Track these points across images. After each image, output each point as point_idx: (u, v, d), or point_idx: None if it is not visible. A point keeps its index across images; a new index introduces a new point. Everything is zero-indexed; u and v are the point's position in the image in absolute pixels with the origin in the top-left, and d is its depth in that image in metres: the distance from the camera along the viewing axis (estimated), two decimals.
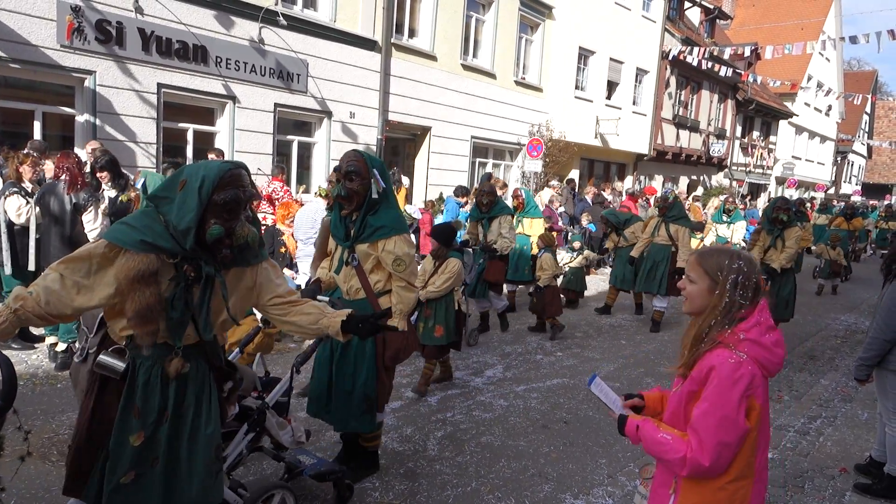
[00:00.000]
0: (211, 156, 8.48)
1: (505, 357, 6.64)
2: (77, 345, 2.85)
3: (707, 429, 2.01)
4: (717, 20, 26.56)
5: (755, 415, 2.04)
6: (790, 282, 7.04)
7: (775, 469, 4.29)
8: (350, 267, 3.50)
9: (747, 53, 20.78)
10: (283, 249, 7.10)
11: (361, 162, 3.39)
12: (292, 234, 7.14)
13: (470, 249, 7.05)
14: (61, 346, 5.43)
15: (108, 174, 6.17)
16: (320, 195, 6.56)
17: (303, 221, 6.79)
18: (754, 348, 2.06)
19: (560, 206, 12.01)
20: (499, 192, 9.73)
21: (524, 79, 15.91)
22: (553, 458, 4.35)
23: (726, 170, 26.22)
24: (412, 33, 13.11)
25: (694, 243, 9.77)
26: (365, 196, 3.39)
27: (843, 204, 21.86)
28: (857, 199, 34.19)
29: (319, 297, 3.57)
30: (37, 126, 8.03)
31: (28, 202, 5.49)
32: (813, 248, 12.88)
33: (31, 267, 5.46)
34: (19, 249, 5.52)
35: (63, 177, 5.35)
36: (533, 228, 8.36)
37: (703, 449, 2.01)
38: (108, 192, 6.20)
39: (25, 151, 5.83)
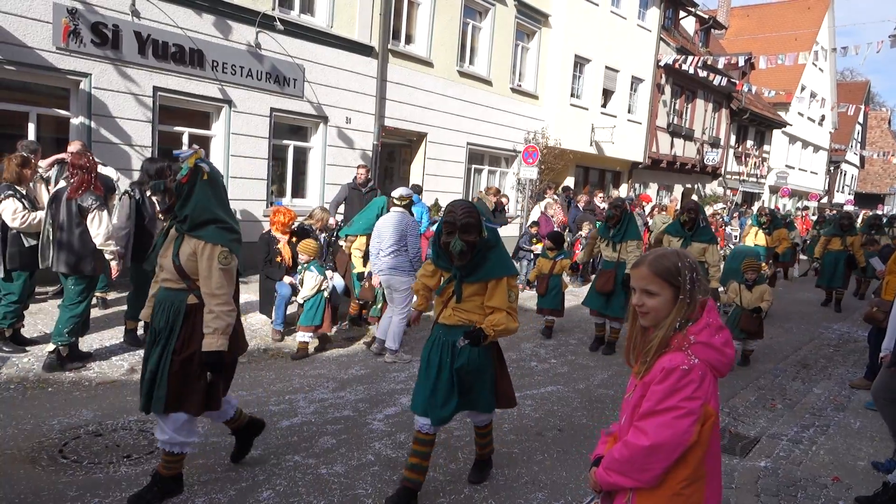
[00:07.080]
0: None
1: None
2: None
3: (651, 427, 2.01)
4: (712, 30, 26.76)
5: (710, 423, 2.02)
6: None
7: (768, 478, 4.30)
8: None
9: (741, 63, 20.91)
10: (279, 259, 7.02)
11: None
12: (287, 242, 7.07)
13: None
14: (50, 347, 5.38)
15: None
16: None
17: (386, 231, 6.42)
18: (705, 350, 2.03)
19: (555, 214, 12.03)
20: (492, 200, 9.77)
21: (520, 86, 15.96)
22: (547, 465, 4.35)
23: (720, 178, 26.36)
24: (409, 39, 13.14)
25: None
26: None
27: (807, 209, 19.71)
28: (849, 208, 34.40)
29: None
30: (31, 128, 7.99)
31: (25, 206, 5.44)
32: (721, 290, 7.67)
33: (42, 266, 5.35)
34: (10, 254, 5.48)
35: (70, 178, 5.22)
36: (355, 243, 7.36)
37: (644, 434, 2.01)
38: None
39: (24, 155, 5.76)
